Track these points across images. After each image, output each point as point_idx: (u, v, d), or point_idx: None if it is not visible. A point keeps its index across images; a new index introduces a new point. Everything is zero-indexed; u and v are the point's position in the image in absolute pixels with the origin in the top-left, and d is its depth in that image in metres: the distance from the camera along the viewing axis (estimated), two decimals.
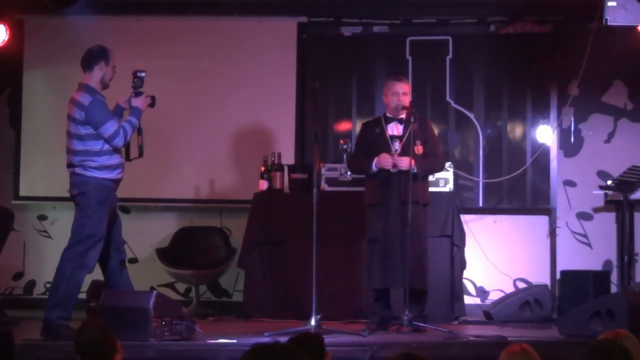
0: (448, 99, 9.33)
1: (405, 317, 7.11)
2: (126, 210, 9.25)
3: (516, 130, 9.33)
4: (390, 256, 7.31)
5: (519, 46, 9.32)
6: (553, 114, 9.24)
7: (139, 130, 6.88)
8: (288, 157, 8.95)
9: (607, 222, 9.21)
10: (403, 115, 7.47)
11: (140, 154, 6.98)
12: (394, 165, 7.31)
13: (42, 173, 9.33)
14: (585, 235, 9.28)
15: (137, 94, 6.87)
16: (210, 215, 9.47)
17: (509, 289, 9.10)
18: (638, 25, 8.09)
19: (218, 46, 9.44)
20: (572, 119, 9.31)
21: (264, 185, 8.54)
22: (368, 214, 7.52)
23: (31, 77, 9.47)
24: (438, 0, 9.35)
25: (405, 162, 7.28)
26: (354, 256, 8.13)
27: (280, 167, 8.61)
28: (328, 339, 4.05)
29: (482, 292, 9.26)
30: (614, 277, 9.05)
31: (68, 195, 6.90)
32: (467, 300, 8.75)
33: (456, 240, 8.24)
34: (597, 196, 9.09)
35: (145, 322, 6.20)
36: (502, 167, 9.25)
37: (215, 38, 9.44)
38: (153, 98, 6.97)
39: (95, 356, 3.93)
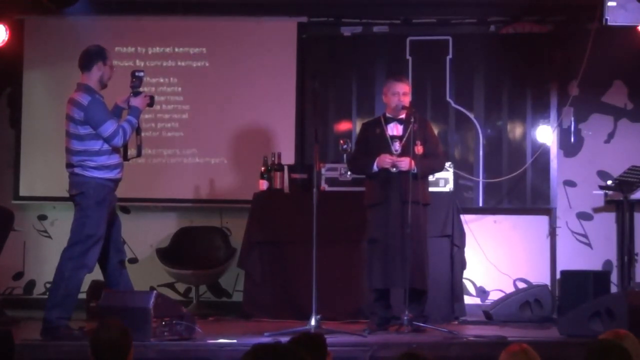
0: (448, 99, 9.32)
1: (405, 317, 7.11)
2: (126, 210, 9.25)
3: (516, 130, 9.33)
4: (391, 256, 7.30)
5: (519, 46, 9.32)
6: (553, 114, 9.24)
7: (138, 130, 6.89)
8: (288, 157, 8.95)
9: (607, 222, 9.21)
10: (403, 116, 7.46)
11: (139, 154, 7.00)
12: (394, 165, 7.30)
13: (42, 173, 9.32)
14: (585, 235, 9.27)
15: (136, 94, 6.88)
16: (210, 215, 9.46)
17: (509, 289, 9.09)
18: (638, 25, 8.09)
19: (218, 46, 9.43)
20: (572, 119, 9.31)
21: (264, 185, 8.54)
22: (368, 214, 7.51)
23: (31, 77, 9.46)
24: (438, 0, 9.35)
25: (405, 163, 7.27)
26: (354, 256, 8.11)
27: (280, 167, 8.60)
28: (328, 339, 4.04)
29: (482, 292, 9.26)
30: (614, 277, 9.04)
31: (68, 195, 6.90)
32: (467, 300, 8.74)
33: (456, 240, 8.23)
34: (597, 196, 9.09)
35: (145, 322, 6.20)
36: (502, 167, 9.25)
37: (215, 38, 9.44)
38: (152, 98, 6.99)
39: (111, 356, 3.89)
